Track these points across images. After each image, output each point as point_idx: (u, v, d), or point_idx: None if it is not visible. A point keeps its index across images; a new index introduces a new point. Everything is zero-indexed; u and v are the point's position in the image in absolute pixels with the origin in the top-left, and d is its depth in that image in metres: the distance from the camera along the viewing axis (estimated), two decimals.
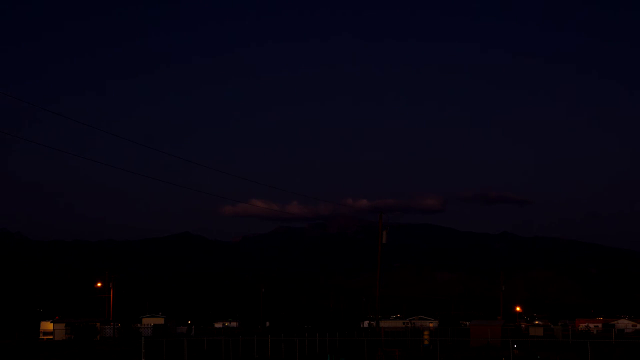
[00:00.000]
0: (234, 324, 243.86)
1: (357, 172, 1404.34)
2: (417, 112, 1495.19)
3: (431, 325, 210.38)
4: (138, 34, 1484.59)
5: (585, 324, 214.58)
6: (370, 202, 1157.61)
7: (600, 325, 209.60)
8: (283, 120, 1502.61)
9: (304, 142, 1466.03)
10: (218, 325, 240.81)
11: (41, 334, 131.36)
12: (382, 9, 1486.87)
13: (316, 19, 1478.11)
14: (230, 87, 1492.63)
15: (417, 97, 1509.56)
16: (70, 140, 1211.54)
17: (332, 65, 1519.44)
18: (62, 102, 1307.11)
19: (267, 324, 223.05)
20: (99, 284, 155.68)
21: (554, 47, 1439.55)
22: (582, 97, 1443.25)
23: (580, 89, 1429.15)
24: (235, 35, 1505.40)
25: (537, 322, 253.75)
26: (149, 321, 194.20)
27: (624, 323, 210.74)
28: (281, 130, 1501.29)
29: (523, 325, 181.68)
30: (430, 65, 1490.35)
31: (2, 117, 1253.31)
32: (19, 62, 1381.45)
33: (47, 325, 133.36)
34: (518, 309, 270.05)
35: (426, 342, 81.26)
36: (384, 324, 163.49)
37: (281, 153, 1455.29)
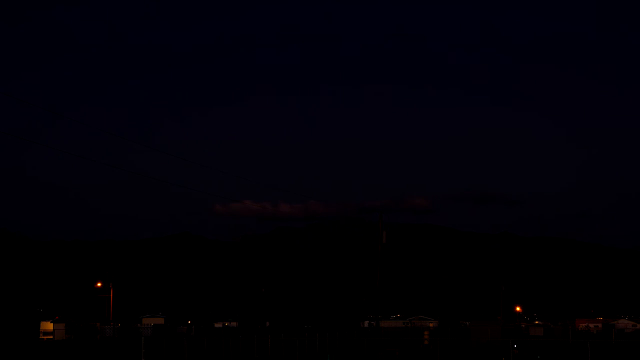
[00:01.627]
0: (234, 324, 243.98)
1: (355, 172, 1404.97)
2: (409, 111, 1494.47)
3: (431, 325, 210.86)
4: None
5: (585, 324, 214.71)
6: (370, 201, 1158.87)
7: (600, 325, 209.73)
8: (279, 120, 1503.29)
9: (303, 141, 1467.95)
10: (218, 325, 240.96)
11: (41, 334, 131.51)
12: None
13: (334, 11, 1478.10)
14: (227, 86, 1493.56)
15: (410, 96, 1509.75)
16: (70, 139, 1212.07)
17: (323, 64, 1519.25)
18: (60, 101, 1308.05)
19: (267, 323, 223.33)
20: (99, 284, 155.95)
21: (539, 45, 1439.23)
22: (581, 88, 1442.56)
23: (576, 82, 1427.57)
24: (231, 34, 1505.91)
25: (537, 322, 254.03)
26: (149, 321, 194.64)
27: (624, 323, 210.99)
28: (276, 130, 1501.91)
29: (523, 325, 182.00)
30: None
31: None
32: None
33: (47, 325, 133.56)
34: (518, 309, 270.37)
35: (426, 342, 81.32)
36: (384, 324, 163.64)
37: (279, 153, 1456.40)
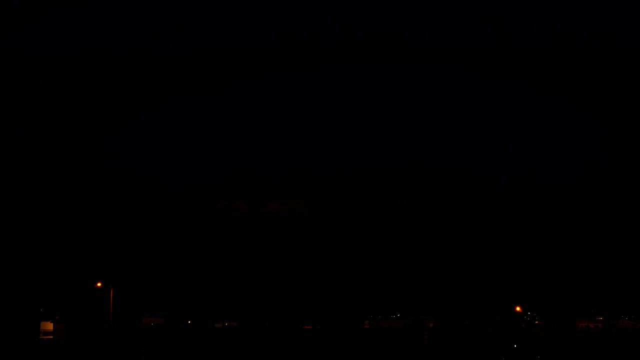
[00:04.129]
0: (233, 324, 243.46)
1: (355, 171, 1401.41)
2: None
3: (431, 325, 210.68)
4: None
5: (585, 324, 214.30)
6: (369, 201, 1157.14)
7: (600, 325, 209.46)
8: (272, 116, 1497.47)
9: (300, 140, 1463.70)
10: (218, 325, 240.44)
11: (41, 334, 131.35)
12: None
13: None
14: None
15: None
16: (69, 137, 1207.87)
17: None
18: (57, 100, 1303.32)
19: (267, 323, 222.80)
20: (99, 284, 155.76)
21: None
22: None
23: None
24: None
25: (537, 322, 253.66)
26: (149, 321, 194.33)
27: (624, 323, 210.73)
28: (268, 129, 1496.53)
29: (523, 325, 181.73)
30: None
31: None
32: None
33: (47, 325, 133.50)
34: (518, 309, 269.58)
35: (426, 342, 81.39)
36: (384, 323, 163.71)
37: (278, 151, 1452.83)
